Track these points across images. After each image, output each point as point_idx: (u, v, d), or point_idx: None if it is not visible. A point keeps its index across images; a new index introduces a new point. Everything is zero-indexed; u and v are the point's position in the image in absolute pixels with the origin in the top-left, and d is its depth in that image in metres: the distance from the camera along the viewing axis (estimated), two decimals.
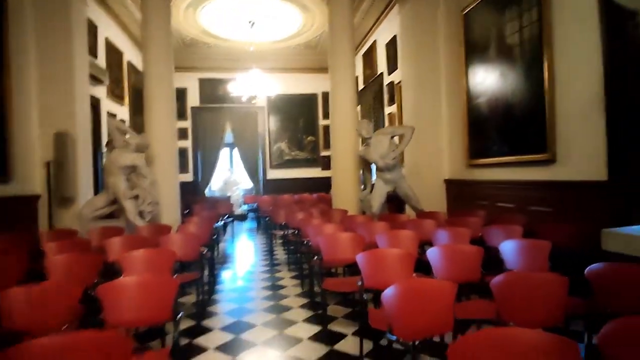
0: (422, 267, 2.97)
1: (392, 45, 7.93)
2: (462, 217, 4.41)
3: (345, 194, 6.17)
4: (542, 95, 4.03)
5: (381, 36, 8.71)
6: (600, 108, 3.40)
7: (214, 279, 4.62)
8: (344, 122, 6.24)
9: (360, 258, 2.73)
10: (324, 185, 9.99)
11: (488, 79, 4.99)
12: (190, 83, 11.11)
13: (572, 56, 3.72)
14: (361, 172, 6.02)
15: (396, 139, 5.53)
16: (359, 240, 3.51)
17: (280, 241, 7.03)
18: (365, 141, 5.51)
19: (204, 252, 4.10)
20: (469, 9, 5.34)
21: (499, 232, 3.45)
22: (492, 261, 2.91)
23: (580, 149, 3.66)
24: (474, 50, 5.27)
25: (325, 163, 11.16)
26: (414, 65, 6.23)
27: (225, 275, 5.30)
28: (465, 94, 5.48)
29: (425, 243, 3.75)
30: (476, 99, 5.27)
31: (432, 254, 2.80)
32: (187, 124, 11.18)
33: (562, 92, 3.86)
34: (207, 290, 4.31)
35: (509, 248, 2.80)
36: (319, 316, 3.55)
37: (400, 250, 2.82)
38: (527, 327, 1.46)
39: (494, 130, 4.92)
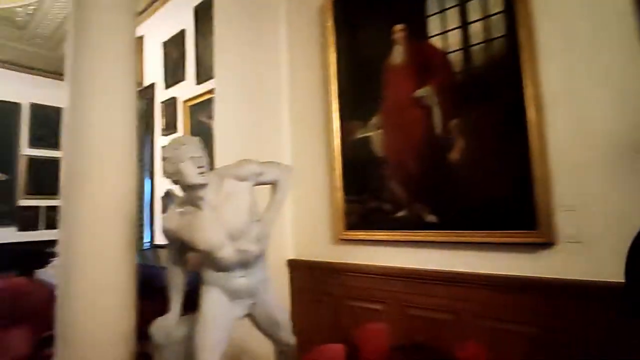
0: None
1: (175, 46, 5.28)
2: None
3: (99, 292, 2.80)
4: None
5: (153, 32, 5.74)
6: None
7: None
8: (109, 153, 2.97)
9: None
10: (24, 257, 6.10)
11: None
12: None
13: None
14: (170, 264, 2.66)
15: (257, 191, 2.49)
16: None
17: None
18: (178, 198, 2.52)
19: None
20: None
21: None
22: None
23: None
24: None
25: (26, 219, 7.30)
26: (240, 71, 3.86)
27: None
28: None
29: None
30: None
31: None
32: None
33: None
34: None
35: None
36: None
37: None
38: None
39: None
